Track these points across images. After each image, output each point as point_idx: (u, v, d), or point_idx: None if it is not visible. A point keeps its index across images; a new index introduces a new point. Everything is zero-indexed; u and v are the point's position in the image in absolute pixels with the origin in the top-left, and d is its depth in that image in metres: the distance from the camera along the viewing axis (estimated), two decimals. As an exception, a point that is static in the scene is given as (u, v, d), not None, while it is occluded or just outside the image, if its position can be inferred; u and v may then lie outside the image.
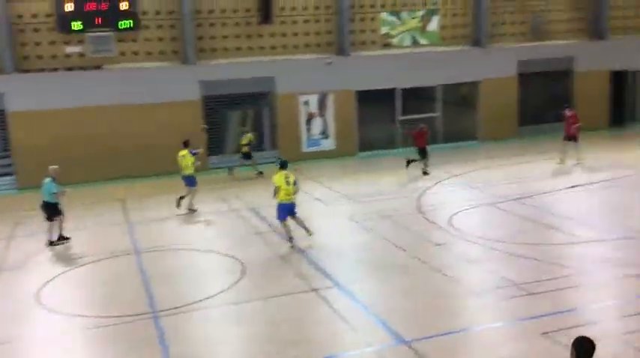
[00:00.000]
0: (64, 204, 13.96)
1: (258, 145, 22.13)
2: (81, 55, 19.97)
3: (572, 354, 4.97)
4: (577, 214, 13.81)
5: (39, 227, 14.12)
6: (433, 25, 23.44)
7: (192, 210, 15.90)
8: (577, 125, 19.19)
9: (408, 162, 18.83)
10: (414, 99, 23.64)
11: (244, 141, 20.20)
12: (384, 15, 22.93)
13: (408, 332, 8.64)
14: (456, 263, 11.40)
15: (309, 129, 22.25)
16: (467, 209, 14.81)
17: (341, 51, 22.39)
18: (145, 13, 20.59)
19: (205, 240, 13.73)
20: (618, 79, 25.29)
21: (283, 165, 12.69)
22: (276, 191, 12.51)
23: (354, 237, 13.34)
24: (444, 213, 14.40)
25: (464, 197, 16.01)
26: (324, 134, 22.49)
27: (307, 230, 12.89)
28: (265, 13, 21.30)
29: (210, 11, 21.34)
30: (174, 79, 20.66)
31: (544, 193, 15.77)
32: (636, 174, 17.14)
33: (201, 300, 10.18)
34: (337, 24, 22.41)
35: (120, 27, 19.83)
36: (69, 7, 18.97)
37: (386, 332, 8.72)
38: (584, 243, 12.06)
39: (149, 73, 20.50)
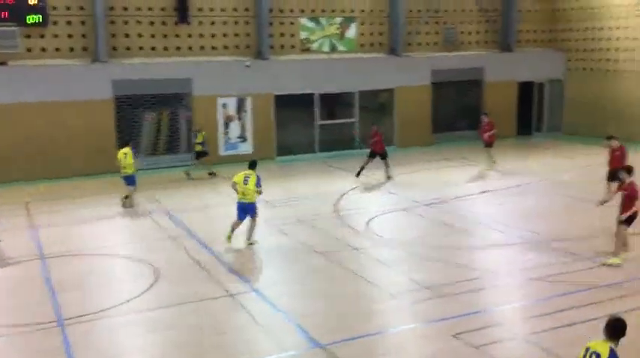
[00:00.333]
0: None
1: (173, 148, 21.70)
2: (-16, 49, 18.93)
3: (608, 334, 5.44)
4: (487, 219, 14.33)
5: None
6: (351, 32, 23.78)
7: (129, 205, 15.93)
8: (490, 133, 19.98)
9: (359, 171, 18.85)
10: (332, 105, 23.88)
11: (198, 139, 19.89)
12: (304, 20, 23.03)
13: (325, 335, 8.64)
14: (372, 266, 11.53)
15: (226, 133, 21.99)
16: (383, 213, 15.05)
17: (260, 54, 22.28)
18: (54, 8, 19.74)
19: (117, 244, 13.24)
20: (526, 90, 26.55)
21: (251, 165, 12.69)
22: (235, 189, 12.44)
23: (272, 241, 13.24)
24: (361, 218, 14.57)
25: (381, 201, 16.27)
26: (242, 138, 22.29)
27: (249, 237, 12.65)
28: (182, 13, 20.92)
29: (125, 8, 20.72)
30: (84, 77, 19.91)
31: (457, 198, 16.27)
32: (542, 181, 18.01)
33: (111, 307, 9.78)
34: (256, 27, 22.30)
35: (27, 22, 18.99)
36: (-28, -1, 17.94)
37: (302, 337, 8.68)
38: (493, 247, 12.51)
39: (57, 70, 19.65)
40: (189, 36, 21.54)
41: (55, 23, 19.81)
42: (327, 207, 15.60)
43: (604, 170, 15.48)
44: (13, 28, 18.68)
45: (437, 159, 21.73)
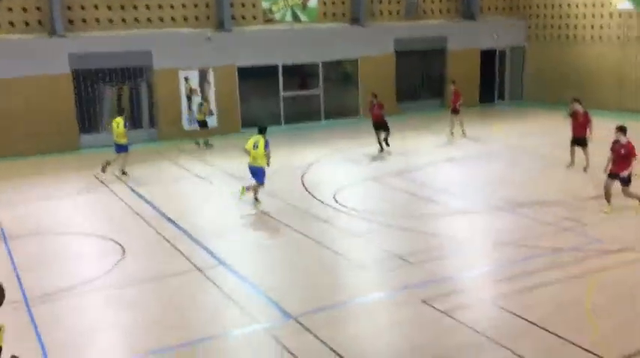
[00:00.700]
0: None
1: (135, 123, 21.32)
2: None
3: None
4: (452, 186, 14.48)
5: None
6: (313, 1, 23.49)
7: (125, 173, 16.31)
8: (459, 101, 20.22)
9: (381, 147, 18.43)
10: (296, 76, 23.70)
11: (203, 109, 20.14)
12: (265, -10, 22.67)
13: (296, 307, 8.67)
14: (340, 237, 11.58)
15: (189, 107, 21.66)
16: (351, 184, 15.08)
17: (221, 25, 21.90)
18: (6, -21, 19.03)
19: (81, 222, 13.01)
20: (489, 58, 26.72)
21: (260, 130, 13.26)
22: (247, 153, 13.15)
23: (239, 214, 13.18)
24: (328, 189, 14.58)
25: (347, 172, 16.30)
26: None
27: (256, 199, 13.39)
28: (140, -16, 20.39)
29: (80, -21, 20.08)
30: (40, 51, 19.33)
31: (422, 167, 16.39)
32: (506, 148, 18.25)
33: (78, 285, 9.65)
34: (217, -3, 21.88)
35: (-22, -6, 18.26)
36: None
37: (273, 309, 8.70)
38: (460, 214, 12.67)
39: (12, 45, 19.02)
40: (148, 7, 21.03)
41: (8, -4, 19.13)
42: (294, 179, 15.56)
43: (567, 135, 15.74)
44: (-37, 2, 17.96)
45: (402, 129, 21.79)
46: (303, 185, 15.11)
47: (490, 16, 26.77)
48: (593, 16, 24.26)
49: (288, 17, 23.12)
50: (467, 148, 18.45)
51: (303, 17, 23.36)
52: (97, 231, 12.32)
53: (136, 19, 20.89)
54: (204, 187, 15.40)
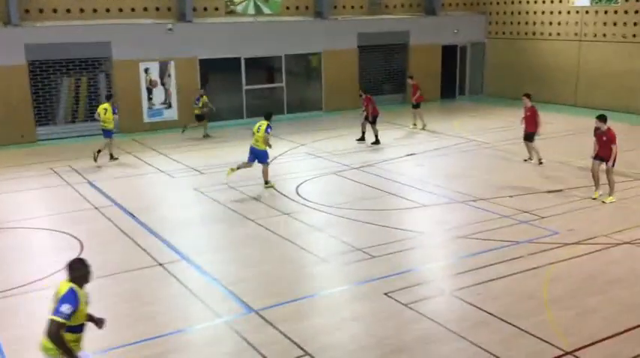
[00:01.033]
0: None
1: (93, 115, 20.91)
2: None
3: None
4: (414, 180, 14.62)
5: None
6: (276, -6, 23.36)
7: (114, 158, 16.93)
8: (416, 95, 20.45)
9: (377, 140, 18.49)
10: (259, 69, 23.56)
11: (200, 103, 19.83)
12: (227, -19, 22.44)
13: (257, 301, 8.66)
14: (302, 231, 11.59)
15: (150, 99, 21.35)
16: (313, 178, 15.10)
17: (182, 16, 21.61)
18: (-43, -35, 18.40)
19: (37, 217, 12.69)
20: (450, 53, 26.99)
21: (266, 116, 14.26)
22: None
23: (201, 208, 13.08)
24: (291, 183, 14.57)
25: (310, 166, 16.30)
26: (167, 103, 21.71)
27: (266, 181, 14.08)
28: (99, -27, 19.95)
29: (36, -33, 19.55)
30: (-5, 41, 18.76)
31: (384, 161, 16.50)
32: (466, 142, 18.51)
33: (34, 282, 9.44)
34: (177, -12, 21.56)
35: None
36: None
37: (235, 303, 8.67)
38: (421, 208, 12.81)
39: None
40: (107, -3, 20.61)
41: (-42, -17, 18.51)
42: (256, 173, 15.48)
43: (522, 130, 16.08)
44: None
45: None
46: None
47: (451, 12, 27.04)
48: (551, 12, 24.73)
49: (251, 9, 22.94)
50: (428, 143, 18.64)
51: (265, 10, 23.21)
52: (54, 225, 12.06)
53: (95, 10, 20.45)
54: (164, 181, 15.21)
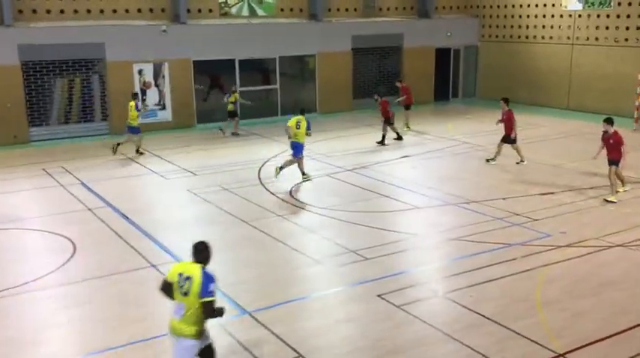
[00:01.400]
0: None
1: (87, 116, 20.88)
2: None
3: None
4: (407, 183, 14.65)
5: None
6: (270, -4, 23.38)
7: (140, 153, 17.60)
8: (401, 98, 20.72)
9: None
10: (253, 71, 23.55)
11: (231, 99, 20.17)
12: (221, -17, 22.44)
13: (251, 302, 8.66)
14: (296, 233, 11.60)
15: (144, 100, 21.30)
16: (306, 180, 15.08)
17: (176, 18, 21.59)
18: (-50, -34, 18.32)
19: (31, 218, 12.65)
20: (443, 56, 27.07)
21: (302, 112, 14.97)
22: (288, 132, 14.68)
23: (194, 209, 13.06)
24: (285, 184, 14.57)
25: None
26: (161, 105, 21.68)
27: (303, 173, 14.71)
28: (93, -26, 19.91)
29: (30, -32, 19.50)
30: (-12, 41, 18.69)
31: (378, 163, 16.53)
32: (459, 144, 18.56)
33: (27, 283, 9.40)
34: (171, -11, 21.54)
35: None
36: None
37: (229, 304, 8.65)
38: (414, 210, 12.84)
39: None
40: (101, -2, 20.58)
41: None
42: (250, 174, 15.49)
43: (516, 134, 16.17)
44: None
45: (358, 125, 21.95)
46: (260, 180, 15.05)
47: (445, 15, 27.13)
48: (544, 16, 24.84)
49: (245, 11, 22.96)
50: (421, 145, 18.68)
51: (259, 11, 23.22)
52: (46, 226, 12.02)
53: (88, 11, 20.41)
54: (158, 182, 15.18)
